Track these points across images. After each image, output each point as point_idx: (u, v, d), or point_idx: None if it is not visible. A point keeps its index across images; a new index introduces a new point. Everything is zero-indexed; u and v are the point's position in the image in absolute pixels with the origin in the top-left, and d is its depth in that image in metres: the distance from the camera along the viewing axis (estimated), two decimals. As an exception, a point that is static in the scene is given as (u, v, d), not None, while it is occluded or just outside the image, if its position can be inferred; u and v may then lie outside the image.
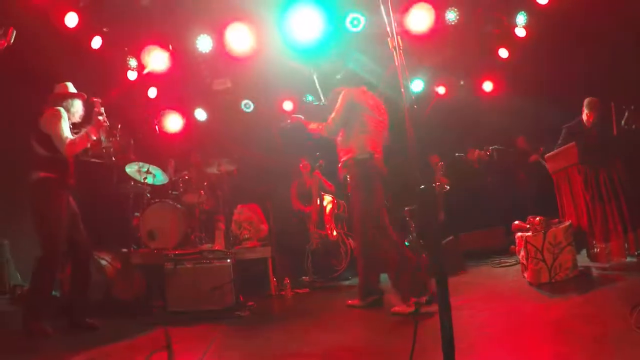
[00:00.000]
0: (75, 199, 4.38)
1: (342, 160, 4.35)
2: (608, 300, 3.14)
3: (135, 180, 5.94)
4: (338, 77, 4.65)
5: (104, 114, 4.30)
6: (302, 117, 4.84)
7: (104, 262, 5.16)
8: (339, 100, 4.31)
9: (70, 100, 4.35)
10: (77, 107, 4.39)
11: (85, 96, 4.47)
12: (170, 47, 6.74)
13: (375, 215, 4.16)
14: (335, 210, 6.57)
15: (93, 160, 4.64)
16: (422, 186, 2.14)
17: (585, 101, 5.97)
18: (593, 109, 5.80)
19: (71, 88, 4.44)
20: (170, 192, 6.30)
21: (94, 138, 4.27)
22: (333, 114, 4.33)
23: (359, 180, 4.21)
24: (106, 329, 4.17)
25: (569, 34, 6.89)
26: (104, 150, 4.58)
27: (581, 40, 6.86)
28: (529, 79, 7.57)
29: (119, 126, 4.58)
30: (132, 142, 5.63)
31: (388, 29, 2.23)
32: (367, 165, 4.19)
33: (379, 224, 4.14)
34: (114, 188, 5.86)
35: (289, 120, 4.97)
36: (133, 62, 6.88)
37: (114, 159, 4.72)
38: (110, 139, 4.50)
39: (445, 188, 7.13)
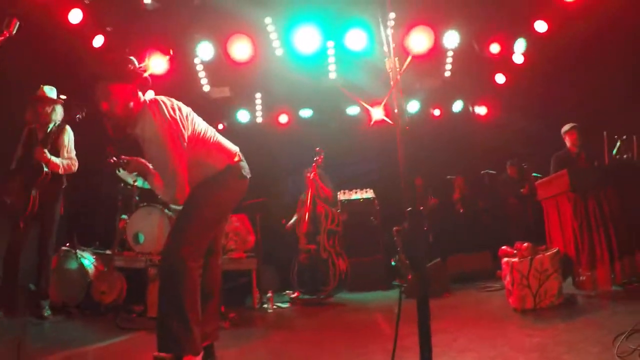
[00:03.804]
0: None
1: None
2: (592, 329, 3.12)
3: (125, 183, 5.91)
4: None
5: None
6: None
7: (87, 263, 5.09)
8: (148, 133, 2.71)
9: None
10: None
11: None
12: (171, 51, 6.77)
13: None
14: (329, 225, 6.30)
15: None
16: (409, 208, 2.11)
17: (564, 128, 6.07)
18: (572, 132, 5.92)
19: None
20: (158, 196, 6.24)
21: None
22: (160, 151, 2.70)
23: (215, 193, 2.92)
24: (84, 331, 4.10)
25: (566, 63, 7.00)
26: None
27: (577, 70, 6.97)
28: (524, 105, 7.67)
29: None
30: None
31: (386, 49, 2.23)
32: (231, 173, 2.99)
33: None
34: (103, 189, 5.82)
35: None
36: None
37: None
38: None
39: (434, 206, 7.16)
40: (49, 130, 4.60)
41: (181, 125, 2.71)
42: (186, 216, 2.86)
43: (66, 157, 4.70)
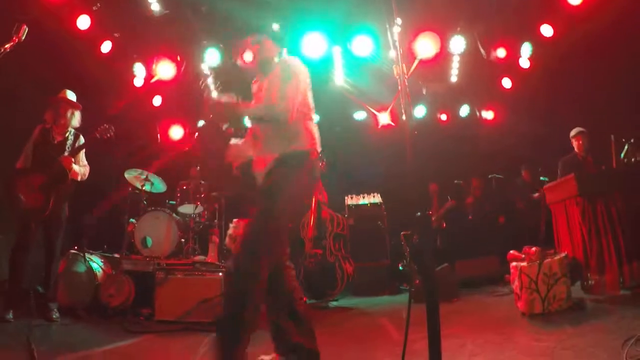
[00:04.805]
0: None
1: (275, 157, 2.96)
2: (600, 333, 3.09)
3: (134, 187, 5.95)
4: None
5: None
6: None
7: (95, 266, 5.12)
8: (281, 74, 3.02)
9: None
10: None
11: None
12: (179, 57, 6.82)
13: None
14: (335, 229, 6.34)
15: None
16: (419, 213, 2.11)
17: (571, 133, 6.06)
18: (578, 138, 5.91)
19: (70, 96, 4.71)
20: (166, 201, 6.29)
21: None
22: (277, 91, 2.94)
23: (292, 185, 2.87)
24: (91, 334, 4.12)
25: (572, 67, 6.98)
26: None
27: (584, 74, 6.95)
28: (530, 110, 7.66)
29: None
30: None
31: (394, 56, 2.24)
32: (312, 165, 2.98)
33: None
34: (112, 192, 5.87)
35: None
36: (141, 70, 6.95)
37: None
38: None
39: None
40: (66, 135, 4.72)
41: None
42: (261, 227, 2.81)
43: (82, 165, 4.82)
